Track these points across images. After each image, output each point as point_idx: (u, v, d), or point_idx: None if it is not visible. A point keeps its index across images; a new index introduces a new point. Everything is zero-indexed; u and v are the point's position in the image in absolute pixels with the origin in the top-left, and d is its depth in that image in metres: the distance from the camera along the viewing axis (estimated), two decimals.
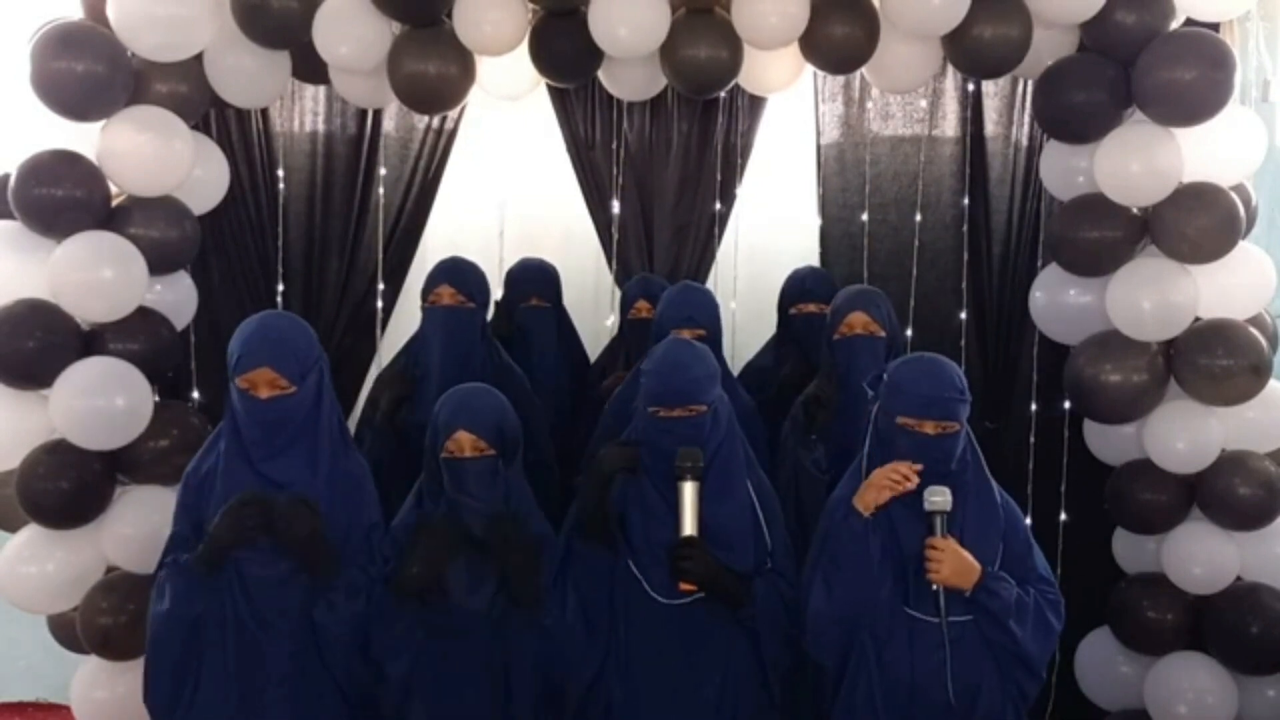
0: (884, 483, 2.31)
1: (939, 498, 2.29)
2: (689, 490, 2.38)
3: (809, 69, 3.33)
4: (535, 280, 3.46)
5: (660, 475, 2.44)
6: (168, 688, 2.41)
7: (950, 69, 3.45)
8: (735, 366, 3.37)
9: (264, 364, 2.37)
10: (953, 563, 2.27)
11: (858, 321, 2.92)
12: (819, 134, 3.67)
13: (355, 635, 2.42)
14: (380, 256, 3.62)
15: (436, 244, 3.70)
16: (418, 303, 3.12)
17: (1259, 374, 2.98)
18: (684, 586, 2.41)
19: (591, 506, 2.48)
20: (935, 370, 2.37)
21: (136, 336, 3.06)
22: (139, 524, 3.01)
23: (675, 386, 2.45)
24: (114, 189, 3.08)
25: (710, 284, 3.59)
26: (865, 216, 3.63)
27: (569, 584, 2.49)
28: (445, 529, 2.43)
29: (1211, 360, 2.98)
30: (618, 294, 3.60)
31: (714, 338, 3.02)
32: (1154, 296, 2.99)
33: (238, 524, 2.34)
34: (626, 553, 2.47)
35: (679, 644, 2.45)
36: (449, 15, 3.07)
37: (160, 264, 3.09)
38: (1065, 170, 3.18)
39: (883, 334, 2.93)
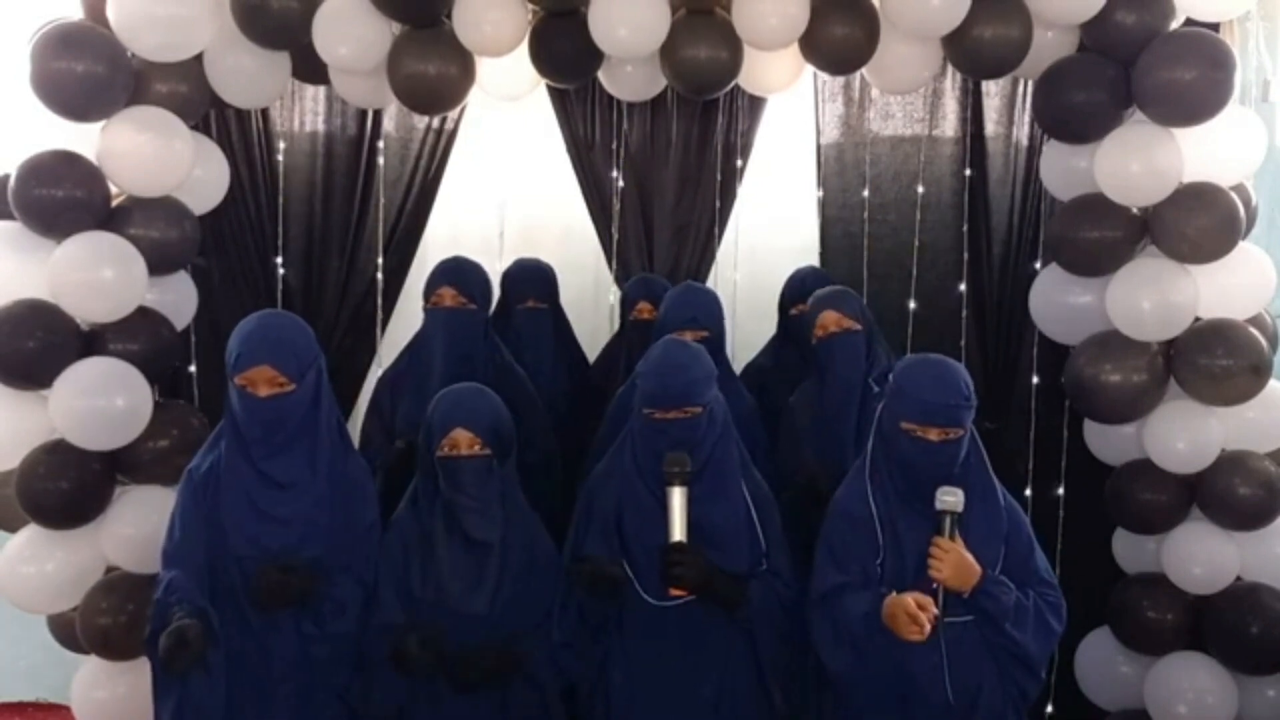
0: (911, 628, 2.25)
1: (951, 498, 2.29)
2: (677, 495, 2.37)
3: (809, 69, 3.32)
4: (530, 281, 3.44)
5: (654, 477, 2.44)
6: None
7: (950, 69, 3.45)
8: (735, 367, 3.36)
9: (263, 362, 2.37)
10: (955, 564, 2.27)
11: (830, 320, 2.94)
12: (819, 134, 3.67)
13: (343, 652, 2.43)
14: (380, 256, 3.62)
15: (436, 244, 3.70)
16: (418, 303, 3.12)
17: (1259, 374, 2.98)
18: (675, 592, 2.42)
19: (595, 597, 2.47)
20: (941, 375, 2.36)
21: (136, 336, 3.05)
22: (139, 524, 3.01)
23: (670, 388, 2.45)
24: (114, 189, 3.07)
25: (710, 284, 3.59)
26: (865, 216, 3.63)
27: (570, 590, 2.49)
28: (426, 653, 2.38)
29: (1211, 360, 2.98)
30: (618, 294, 3.60)
31: (717, 338, 3.02)
32: (1154, 296, 2.99)
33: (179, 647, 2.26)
34: (621, 554, 2.48)
35: (675, 645, 2.46)
36: (449, 15, 3.07)
37: (160, 264, 3.09)
38: (1065, 170, 3.18)
39: (858, 326, 2.94)
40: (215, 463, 2.45)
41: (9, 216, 2.97)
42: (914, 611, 2.23)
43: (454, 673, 2.37)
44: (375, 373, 3.57)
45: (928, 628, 2.23)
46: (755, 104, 3.61)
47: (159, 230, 3.07)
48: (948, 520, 2.29)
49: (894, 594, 2.30)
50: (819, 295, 3.05)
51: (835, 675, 2.39)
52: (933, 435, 2.32)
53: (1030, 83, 3.33)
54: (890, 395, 2.40)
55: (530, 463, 2.75)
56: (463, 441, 2.44)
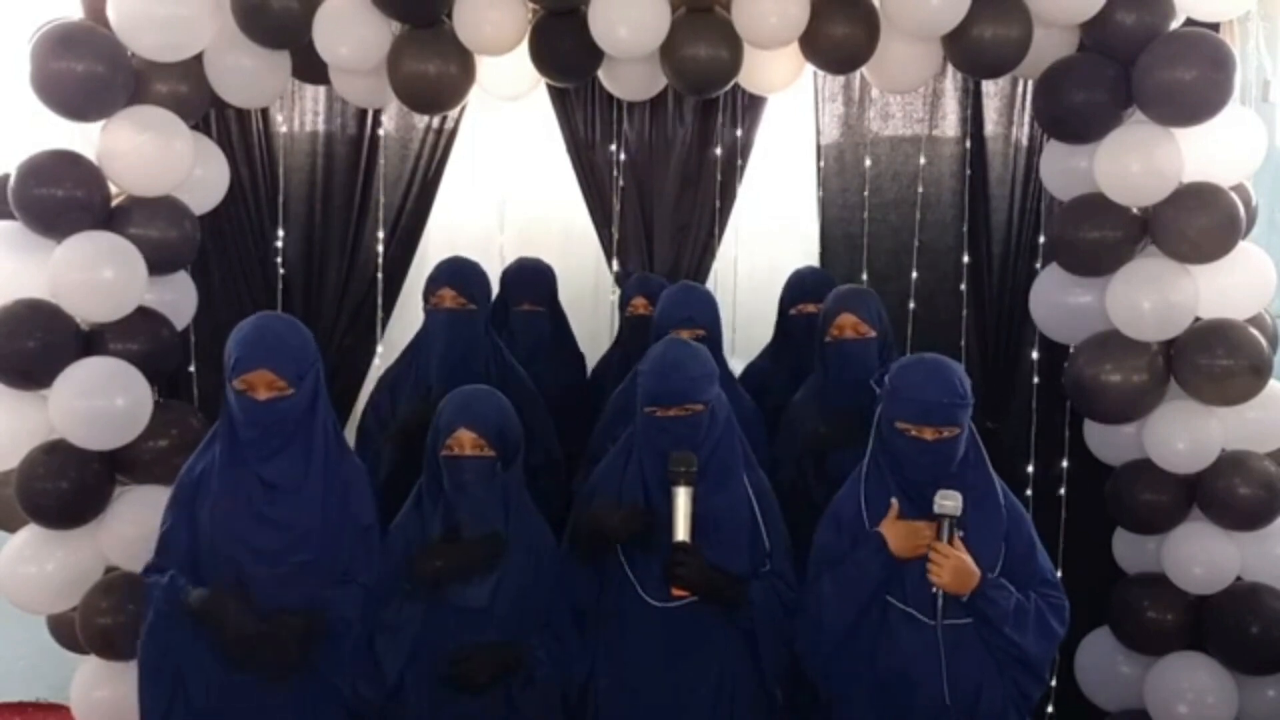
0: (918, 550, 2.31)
1: (949, 502, 2.28)
2: (682, 495, 2.37)
3: (809, 69, 3.33)
4: (528, 284, 3.44)
5: (656, 476, 2.44)
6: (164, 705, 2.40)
7: (950, 69, 3.45)
8: (735, 367, 3.36)
9: (261, 365, 2.36)
10: (953, 568, 2.27)
11: (846, 323, 2.91)
12: (819, 134, 3.67)
13: (345, 655, 2.42)
14: (380, 256, 3.62)
15: (436, 244, 3.70)
16: (418, 303, 3.12)
17: (1259, 374, 2.98)
18: (677, 592, 2.42)
19: (593, 548, 2.48)
20: (935, 374, 2.35)
21: (136, 336, 3.05)
22: (138, 524, 2.99)
23: (671, 386, 2.44)
24: (114, 189, 3.08)
25: (710, 284, 3.59)
26: (865, 216, 3.63)
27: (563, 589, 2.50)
28: (482, 548, 2.42)
29: (1211, 360, 2.98)
30: (618, 294, 3.60)
31: (714, 337, 3.01)
32: (1154, 296, 2.99)
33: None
34: (620, 555, 2.47)
35: (674, 646, 2.46)
36: (449, 15, 3.07)
37: (160, 264, 3.09)
38: (1065, 170, 3.18)
39: (873, 334, 2.91)
40: (207, 467, 2.45)
41: (9, 216, 2.97)
42: (916, 528, 2.29)
43: (455, 671, 2.37)
44: (375, 372, 3.57)
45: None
46: (755, 104, 3.60)
47: (159, 230, 3.07)
48: (946, 524, 2.29)
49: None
50: (839, 293, 3.03)
51: (821, 676, 2.39)
52: (928, 434, 2.31)
53: (1030, 83, 3.33)
54: (886, 396, 2.39)
55: (534, 464, 2.75)
56: (467, 442, 2.43)
